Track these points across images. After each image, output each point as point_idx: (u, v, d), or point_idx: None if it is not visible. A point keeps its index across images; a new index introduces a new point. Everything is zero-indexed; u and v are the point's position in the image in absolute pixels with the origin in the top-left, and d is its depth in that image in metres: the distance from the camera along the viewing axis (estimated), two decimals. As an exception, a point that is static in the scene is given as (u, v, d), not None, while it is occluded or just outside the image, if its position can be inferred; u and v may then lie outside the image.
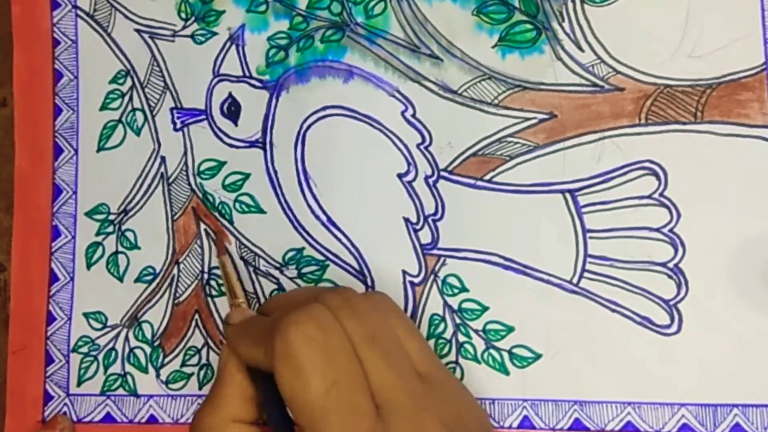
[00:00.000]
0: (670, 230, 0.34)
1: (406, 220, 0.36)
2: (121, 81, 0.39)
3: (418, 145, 0.36)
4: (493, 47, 0.36)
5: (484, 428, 0.31)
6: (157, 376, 0.37)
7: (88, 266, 0.38)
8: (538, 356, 0.35)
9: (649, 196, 0.34)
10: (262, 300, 0.37)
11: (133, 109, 0.38)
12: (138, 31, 0.39)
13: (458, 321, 0.35)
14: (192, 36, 0.38)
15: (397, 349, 0.29)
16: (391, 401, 0.27)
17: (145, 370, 0.38)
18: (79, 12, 0.39)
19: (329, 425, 0.25)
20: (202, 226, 0.38)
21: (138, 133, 0.38)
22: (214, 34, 0.38)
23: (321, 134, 0.37)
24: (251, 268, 0.37)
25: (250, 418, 0.30)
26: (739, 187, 0.34)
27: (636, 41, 0.35)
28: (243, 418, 0.30)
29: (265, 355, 0.27)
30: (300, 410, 0.26)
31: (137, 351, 0.38)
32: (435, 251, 0.36)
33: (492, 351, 0.35)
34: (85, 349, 0.38)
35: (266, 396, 0.29)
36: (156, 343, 0.38)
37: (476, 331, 0.35)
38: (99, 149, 0.39)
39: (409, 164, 0.36)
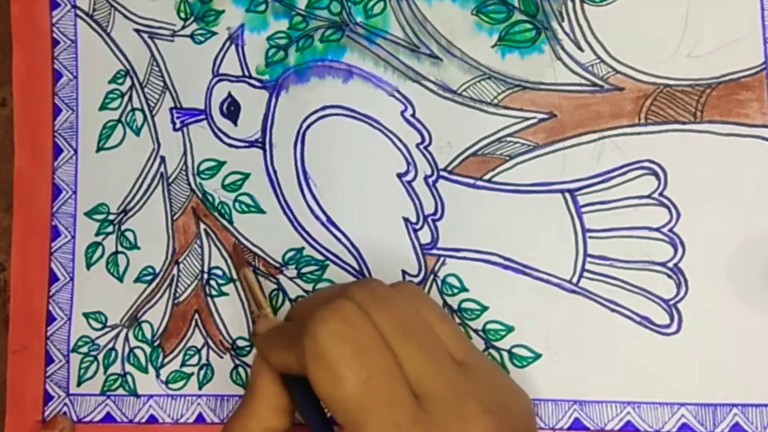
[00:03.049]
0: (670, 230, 0.34)
1: (406, 219, 0.36)
2: (120, 81, 0.39)
3: (417, 145, 0.36)
4: (492, 47, 0.36)
5: (527, 410, 0.30)
6: (157, 376, 0.37)
7: (88, 266, 0.38)
8: (538, 356, 0.35)
9: (649, 196, 0.34)
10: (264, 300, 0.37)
11: (133, 109, 0.38)
12: (137, 30, 0.39)
13: (458, 321, 0.35)
14: (191, 36, 0.38)
15: (431, 337, 0.28)
16: (430, 390, 0.26)
17: (145, 370, 0.38)
18: (78, 12, 0.39)
19: (370, 420, 0.25)
20: (202, 226, 0.38)
21: (137, 132, 0.38)
22: (214, 33, 0.38)
23: (321, 134, 0.37)
24: (251, 268, 0.37)
25: (282, 428, 0.30)
26: (739, 187, 0.34)
27: (635, 41, 0.35)
28: (275, 428, 0.30)
29: (296, 358, 0.27)
30: (338, 408, 0.25)
31: (137, 351, 0.38)
32: (434, 251, 0.36)
33: (492, 351, 0.35)
34: (85, 349, 0.38)
35: (303, 399, 0.29)
36: (156, 343, 0.38)
37: (476, 331, 0.35)
38: (98, 149, 0.39)
39: (408, 164, 0.36)
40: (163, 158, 0.38)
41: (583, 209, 0.35)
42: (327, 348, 0.26)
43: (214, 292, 0.37)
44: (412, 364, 0.26)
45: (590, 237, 0.35)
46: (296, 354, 0.27)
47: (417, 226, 0.36)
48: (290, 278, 0.37)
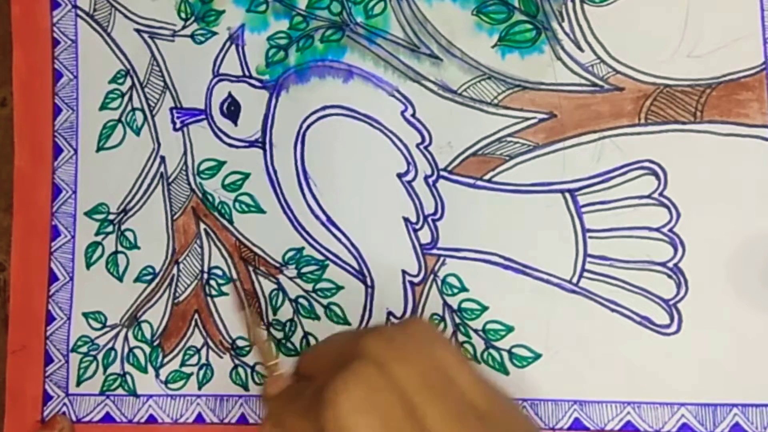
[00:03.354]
0: (670, 230, 0.34)
1: (406, 219, 0.36)
2: (120, 81, 0.39)
3: (417, 145, 0.36)
4: (492, 47, 0.36)
5: None
6: (157, 375, 0.37)
7: (88, 266, 0.38)
8: (538, 356, 0.35)
9: (649, 196, 0.34)
10: (263, 301, 0.37)
11: (133, 109, 0.38)
12: (138, 30, 0.39)
13: (458, 321, 0.35)
14: (192, 36, 0.38)
15: (452, 389, 0.27)
16: None
17: (144, 370, 0.38)
18: (78, 12, 0.39)
19: None
20: (202, 226, 0.38)
21: (138, 132, 0.38)
22: (214, 33, 0.38)
23: (321, 134, 0.37)
24: (251, 268, 0.37)
25: None
26: (739, 187, 0.34)
27: (636, 41, 0.35)
28: None
29: (315, 427, 0.25)
30: None
31: (136, 351, 0.38)
32: (435, 251, 0.36)
33: (492, 351, 0.35)
34: (84, 349, 0.38)
35: None
36: (155, 343, 0.38)
37: (476, 331, 0.35)
38: (99, 149, 0.39)
39: (408, 164, 0.36)
40: (163, 158, 0.38)
41: (583, 209, 0.35)
42: (352, 423, 0.24)
43: (213, 292, 0.37)
44: (439, 425, 0.25)
45: (590, 237, 0.35)
46: (315, 424, 0.25)
47: (417, 226, 0.36)
48: (290, 278, 0.37)
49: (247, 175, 0.37)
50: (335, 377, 0.25)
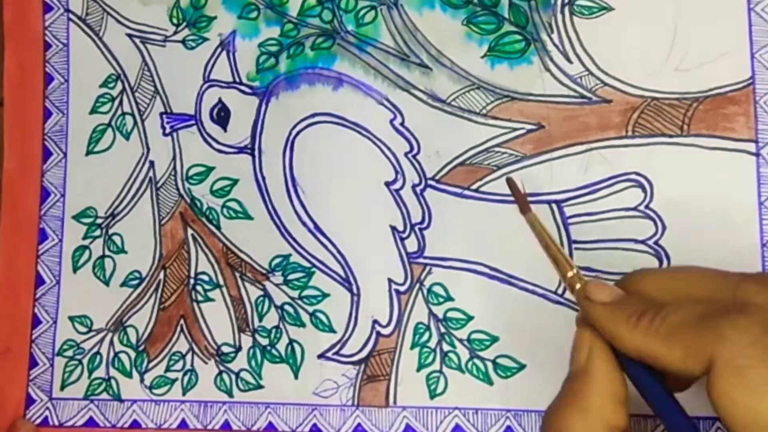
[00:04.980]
0: (655, 242, 0.34)
1: (393, 228, 0.36)
2: (111, 85, 0.39)
3: (406, 154, 0.36)
4: (482, 57, 0.36)
5: None
6: (141, 380, 0.37)
7: (75, 269, 0.38)
8: (522, 366, 0.35)
9: (635, 208, 0.34)
10: (248, 307, 0.37)
11: (123, 114, 0.39)
12: (129, 35, 0.39)
13: (443, 330, 0.35)
14: (183, 41, 0.38)
15: None
16: None
17: (129, 375, 0.37)
18: (70, 15, 0.39)
19: None
20: (190, 232, 0.38)
21: (127, 137, 0.38)
22: (205, 39, 0.38)
23: (310, 141, 0.37)
24: (238, 274, 0.37)
25: (623, 426, 0.25)
26: (724, 201, 0.34)
27: (624, 54, 0.35)
28: (616, 424, 0.25)
29: (683, 357, 0.23)
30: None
31: (122, 355, 0.38)
32: (421, 260, 0.36)
33: (476, 361, 0.35)
34: (69, 353, 0.38)
35: (655, 389, 0.25)
36: (141, 348, 0.38)
37: (461, 341, 0.35)
38: (88, 153, 0.39)
39: (396, 172, 0.36)
40: (152, 163, 0.38)
41: (570, 220, 0.35)
42: (755, 363, 0.22)
43: (200, 298, 0.37)
44: None
45: (576, 248, 0.35)
46: (684, 353, 0.23)
47: (404, 235, 0.36)
48: (276, 285, 0.37)
49: (235, 181, 0.38)
50: (724, 313, 0.24)
